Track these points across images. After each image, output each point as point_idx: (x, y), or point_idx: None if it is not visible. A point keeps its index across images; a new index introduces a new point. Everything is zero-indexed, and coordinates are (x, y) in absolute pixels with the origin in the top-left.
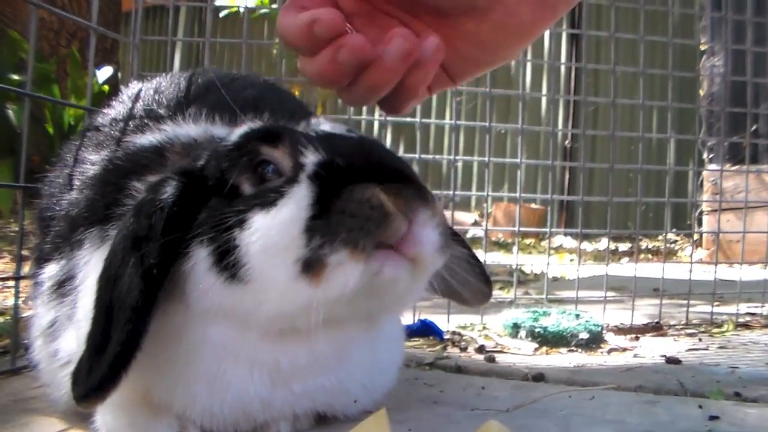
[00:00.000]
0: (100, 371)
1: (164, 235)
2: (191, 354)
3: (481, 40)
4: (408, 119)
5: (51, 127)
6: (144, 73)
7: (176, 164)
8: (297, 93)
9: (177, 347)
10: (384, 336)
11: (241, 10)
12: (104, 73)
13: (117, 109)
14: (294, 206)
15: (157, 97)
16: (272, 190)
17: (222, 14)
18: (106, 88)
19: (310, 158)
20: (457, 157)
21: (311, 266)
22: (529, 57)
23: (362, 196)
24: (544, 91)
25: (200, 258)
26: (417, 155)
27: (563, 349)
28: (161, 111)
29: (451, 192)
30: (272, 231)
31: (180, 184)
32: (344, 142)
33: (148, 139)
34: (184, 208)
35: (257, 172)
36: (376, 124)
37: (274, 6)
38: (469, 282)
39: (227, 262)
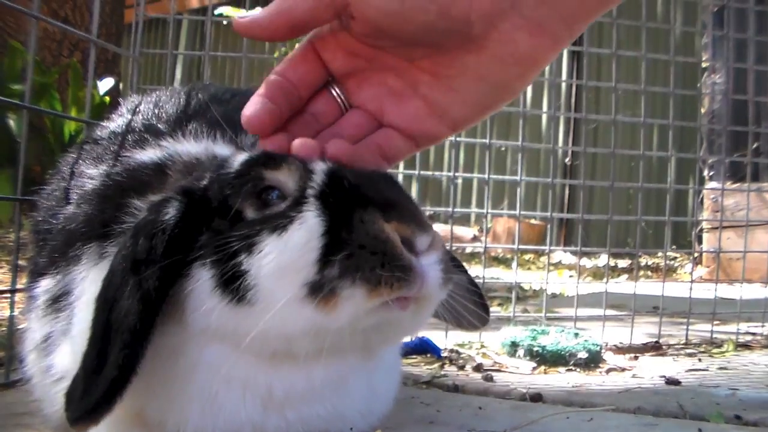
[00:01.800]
0: (95, 394)
1: (165, 257)
2: (185, 375)
3: (482, 74)
4: None
5: (52, 137)
6: (144, 86)
7: (178, 183)
8: None
9: (172, 367)
10: (382, 362)
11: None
12: (106, 84)
13: (116, 122)
14: (306, 232)
15: (156, 112)
16: (280, 215)
17: (225, 22)
18: (107, 99)
19: (319, 165)
20: (457, 174)
21: (320, 293)
22: None
23: (378, 231)
24: (545, 108)
25: (202, 280)
26: (417, 171)
27: (561, 369)
28: (161, 126)
29: (450, 209)
30: (285, 254)
31: (182, 205)
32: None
33: (149, 155)
34: (185, 229)
35: (261, 198)
36: None
37: None
38: (467, 308)
39: (234, 285)
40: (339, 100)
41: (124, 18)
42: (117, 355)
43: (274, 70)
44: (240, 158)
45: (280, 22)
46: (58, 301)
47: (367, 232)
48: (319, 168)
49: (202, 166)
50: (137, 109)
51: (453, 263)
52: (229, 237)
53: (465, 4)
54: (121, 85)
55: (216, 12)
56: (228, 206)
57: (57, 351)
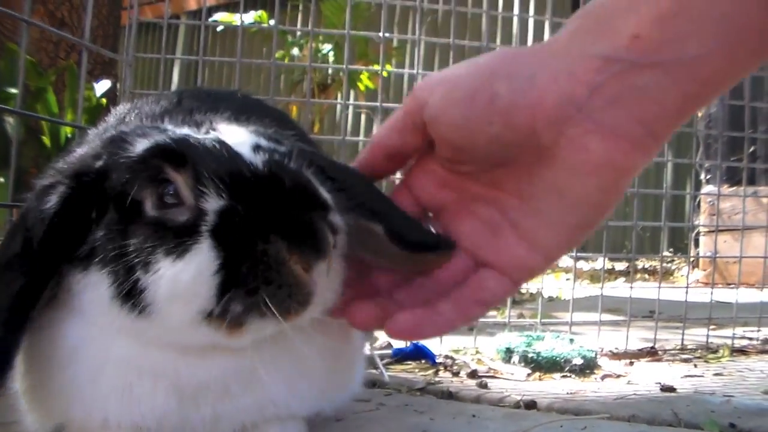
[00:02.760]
0: None
1: (44, 249)
2: (97, 371)
3: (559, 189)
4: None
5: (48, 140)
6: (140, 90)
7: (70, 164)
8: (294, 110)
9: (83, 364)
10: (334, 350)
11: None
12: (102, 86)
13: (104, 124)
14: (202, 265)
15: (137, 112)
16: (174, 235)
17: (219, 29)
18: (104, 101)
19: (211, 204)
20: None
21: (223, 321)
22: None
23: (285, 266)
24: None
25: (102, 287)
26: None
27: (556, 375)
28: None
29: None
30: (179, 283)
31: (68, 191)
32: (249, 178)
33: (78, 152)
34: (71, 218)
35: (158, 191)
36: None
37: (272, 22)
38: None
39: (133, 300)
40: None
41: (120, 20)
42: None
43: None
44: (143, 144)
45: (377, 153)
46: None
47: (270, 267)
48: (215, 187)
49: (105, 143)
50: (126, 110)
51: (379, 197)
52: (125, 245)
53: (527, 112)
54: (118, 86)
55: (211, 19)
56: (125, 194)
57: None
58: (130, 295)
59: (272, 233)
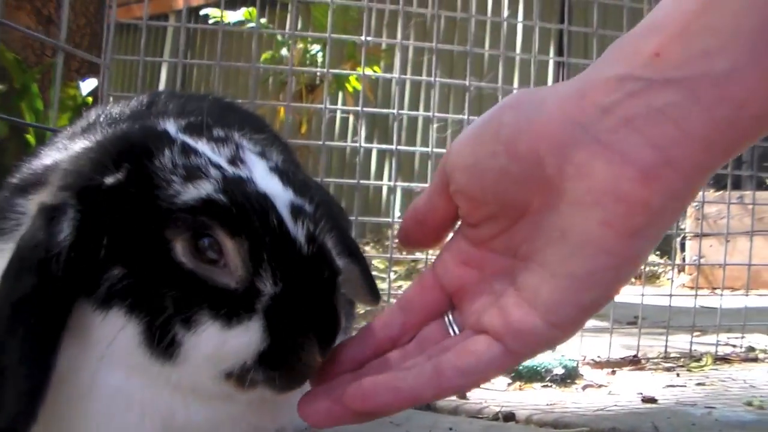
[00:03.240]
0: None
1: (66, 286)
2: (78, 398)
3: (562, 228)
4: (386, 147)
5: (32, 138)
6: (117, 93)
7: (72, 176)
8: (282, 111)
9: (63, 391)
10: None
11: (231, 21)
12: (88, 85)
13: (72, 128)
14: (251, 341)
15: (100, 118)
16: (224, 298)
17: (211, 21)
18: (89, 100)
19: (268, 287)
20: None
21: (239, 379)
22: (515, 85)
23: (313, 361)
24: None
25: (126, 330)
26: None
27: (537, 385)
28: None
29: None
30: (222, 352)
31: (79, 215)
32: (300, 265)
33: (52, 156)
34: (86, 246)
35: (193, 240)
36: (362, 151)
37: (263, 20)
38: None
39: (165, 351)
40: (450, 326)
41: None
42: (12, 406)
43: (397, 302)
44: (196, 191)
45: (409, 218)
46: None
47: (301, 359)
48: (271, 272)
49: (107, 150)
50: (90, 117)
51: (350, 253)
52: (160, 296)
53: (530, 137)
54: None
55: (201, 13)
56: (158, 238)
57: None
58: (165, 347)
59: (311, 330)
